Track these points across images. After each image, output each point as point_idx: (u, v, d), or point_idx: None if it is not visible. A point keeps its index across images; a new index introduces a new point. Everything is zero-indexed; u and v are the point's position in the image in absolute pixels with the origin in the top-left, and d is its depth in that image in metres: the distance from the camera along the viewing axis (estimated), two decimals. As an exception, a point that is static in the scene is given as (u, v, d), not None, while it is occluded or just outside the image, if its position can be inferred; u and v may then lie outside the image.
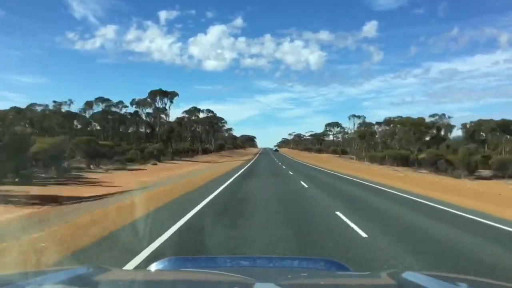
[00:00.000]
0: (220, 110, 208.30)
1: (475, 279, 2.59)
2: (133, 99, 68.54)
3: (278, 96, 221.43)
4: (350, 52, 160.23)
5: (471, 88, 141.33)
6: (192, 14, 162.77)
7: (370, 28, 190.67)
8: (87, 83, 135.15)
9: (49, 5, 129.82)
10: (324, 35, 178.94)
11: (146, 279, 1.90)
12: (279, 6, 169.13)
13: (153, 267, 2.08)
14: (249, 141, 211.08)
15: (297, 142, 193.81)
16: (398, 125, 58.32)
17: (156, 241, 6.52)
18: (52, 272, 2.02)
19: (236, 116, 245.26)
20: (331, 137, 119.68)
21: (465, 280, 2.12)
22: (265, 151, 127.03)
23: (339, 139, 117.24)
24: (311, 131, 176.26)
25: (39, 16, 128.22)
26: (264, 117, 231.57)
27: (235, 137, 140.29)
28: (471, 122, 64.75)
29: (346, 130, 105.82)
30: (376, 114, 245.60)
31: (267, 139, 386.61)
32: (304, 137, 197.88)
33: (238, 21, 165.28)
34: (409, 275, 1.80)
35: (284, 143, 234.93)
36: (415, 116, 56.68)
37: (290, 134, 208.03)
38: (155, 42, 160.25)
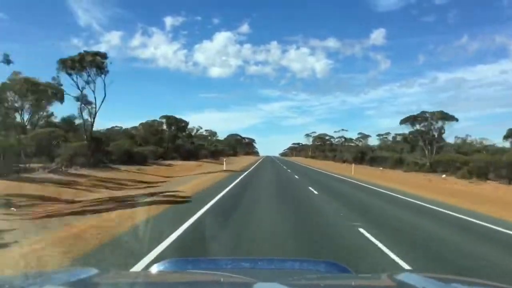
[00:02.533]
0: (223, 118, 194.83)
1: (475, 280, 2.53)
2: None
3: (281, 105, 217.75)
4: (356, 60, 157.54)
5: (478, 98, 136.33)
6: (198, 20, 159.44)
7: (377, 35, 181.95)
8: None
9: (53, 12, 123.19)
10: (331, 43, 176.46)
11: (147, 281, 1.89)
12: (286, 13, 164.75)
13: (154, 268, 2.09)
14: (243, 146, 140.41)
15: (321, 147, 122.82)
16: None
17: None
18: (53, 273, 2.02)
19: (240, 124, 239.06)
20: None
21: (465, 282, 2.11)
22: (269, 161, 71.34)
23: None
24: (342, 129, 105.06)
25: (43, 24, 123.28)
26: (267, 125, 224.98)
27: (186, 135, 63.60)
28: None
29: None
30: (379, 124, 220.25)
31: (270, 147, 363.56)
32: (333, 139, 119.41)
33: (244, 28, 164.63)
34: (409, 277, 1.83)
35: (294, 149, 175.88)
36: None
37: (307, 135, 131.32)
38: (160, 49, 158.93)
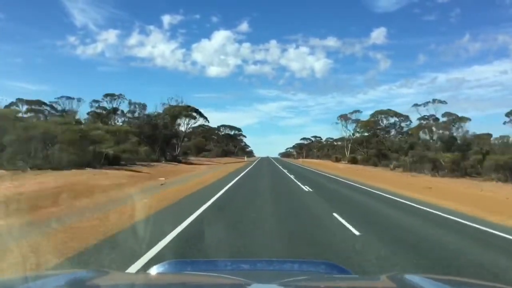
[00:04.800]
0: (220, 118, 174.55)
1: (475, 282, 2.54)
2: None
3: (278, 105, 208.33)
4: (356, 60, 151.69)
5: (478, 98, 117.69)
6: (196, 18, 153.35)
7: (378, 34, 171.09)
8: (89, 89, 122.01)
9: (48, 12, 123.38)
10: (331, 42, 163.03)
11: (146, 282, 1.89)
12: (287, 11, 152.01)
13: (154, 270, 2.04)
14: (223, 140, 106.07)
15: (373, 141, 37.26)
16: None
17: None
18: (53, 275, 2.02)
19: (237, 123, 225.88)
20: None
21: (465, 283, 2.12)
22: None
23: None
24: (435, 100, 57.72)
25: (40, 25, 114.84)
26: (264, 125, 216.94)
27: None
28: None
29: None
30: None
31: (268, 147, 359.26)
32: (405, 123, 40.33)
33: (244, 26, 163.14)
34: (409, 278, 1.79)
35: (304, 147, 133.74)
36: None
37: (342, 120, 58.91)
38: (158, 48, 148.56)
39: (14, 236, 6.00)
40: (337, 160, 69.49)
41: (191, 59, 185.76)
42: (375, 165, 55.17)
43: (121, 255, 5.50)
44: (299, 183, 20.95)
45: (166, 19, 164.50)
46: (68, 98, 52.49)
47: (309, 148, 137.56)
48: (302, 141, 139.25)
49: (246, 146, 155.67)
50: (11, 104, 46.74)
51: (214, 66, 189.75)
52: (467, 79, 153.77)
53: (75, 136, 22.44)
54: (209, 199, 12.39)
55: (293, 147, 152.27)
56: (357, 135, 64.35)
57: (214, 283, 1.81)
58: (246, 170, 34.91)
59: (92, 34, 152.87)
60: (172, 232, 7.06)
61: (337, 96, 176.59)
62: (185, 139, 57.21)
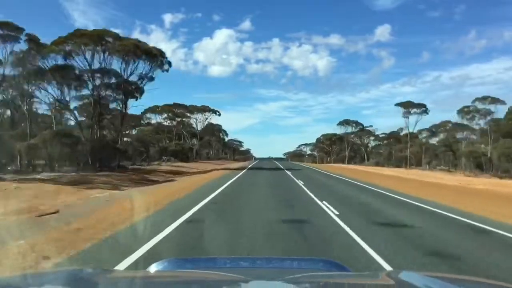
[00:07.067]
0: (219, 118, 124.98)
1: (473, 279, 2.53)
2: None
3: (279, 104, 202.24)
4: (359, 57, 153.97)
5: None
6: (198, 17, 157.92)
7: (382, 32, 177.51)
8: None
9: (48, 12, 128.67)
10: (334, 39, 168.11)
11: (146, 280, 1.88)
12: (289, 8, 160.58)
13: (153, 268, 2.05)
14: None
15: None
16: None
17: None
18: (52, 274, 2.10)
19: (237, 124, 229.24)
20: None
21: (463, 281, 2.11)
22: None
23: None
24: None
25: (38, 23, 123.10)
26: (265, 126, 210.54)
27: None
28: None
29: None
30: (377, 123, 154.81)
31: (269, 148, 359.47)
32: None
33: (246, 25, 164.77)
34: (407, 275, 1.81)
35: (335, 140, 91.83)
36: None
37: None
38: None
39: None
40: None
41: (192, 58, 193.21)
42: None
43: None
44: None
45: (168, 18, 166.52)
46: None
47: (345, 142, 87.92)
48: (339, 128, 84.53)
49: (237, 142, 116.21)
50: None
51: (216, 65, 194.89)
52: (471, 76, 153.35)
53: None
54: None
55: (318, 141, 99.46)
56: None
57: (213, 281, 1.82)
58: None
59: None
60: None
61: (338, 95, 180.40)
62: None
